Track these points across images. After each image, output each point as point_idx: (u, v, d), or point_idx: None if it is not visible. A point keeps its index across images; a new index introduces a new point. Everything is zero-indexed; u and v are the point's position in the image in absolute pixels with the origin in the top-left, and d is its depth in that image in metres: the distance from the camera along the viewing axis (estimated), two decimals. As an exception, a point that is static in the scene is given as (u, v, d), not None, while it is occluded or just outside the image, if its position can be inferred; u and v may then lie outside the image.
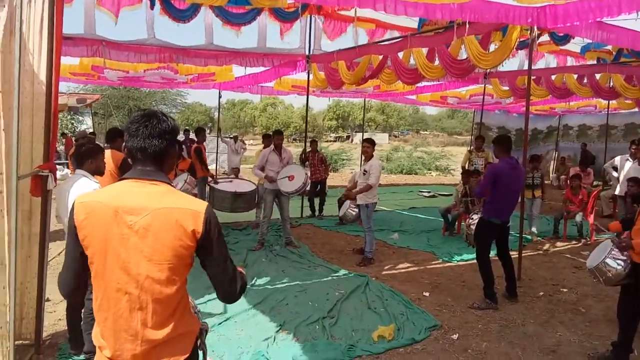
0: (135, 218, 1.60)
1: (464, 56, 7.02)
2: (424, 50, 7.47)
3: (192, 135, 12.13)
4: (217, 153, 15.43)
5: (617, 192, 8.18)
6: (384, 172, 17.77)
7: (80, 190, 3.11)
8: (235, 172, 11.65)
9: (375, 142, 6.89)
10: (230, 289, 1.74)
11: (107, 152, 4.34)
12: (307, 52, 9.28)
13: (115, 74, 9.44)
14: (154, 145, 1.68)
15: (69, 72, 9.32)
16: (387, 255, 7.05)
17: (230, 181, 8.60)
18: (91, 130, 20.13)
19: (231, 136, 13.93)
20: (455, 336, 4.24)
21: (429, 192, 14.29)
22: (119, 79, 10.31)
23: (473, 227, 5.34)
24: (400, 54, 7.72)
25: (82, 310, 3.49)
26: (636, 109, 13.15)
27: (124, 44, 7.95)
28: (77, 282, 1.72)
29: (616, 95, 9.88)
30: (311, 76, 9.77)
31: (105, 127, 22.79)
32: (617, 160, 8.43)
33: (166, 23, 7.35)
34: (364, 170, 6.60)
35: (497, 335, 4.30)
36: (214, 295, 5.38)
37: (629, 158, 7.99)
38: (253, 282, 5.61)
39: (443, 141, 50.96)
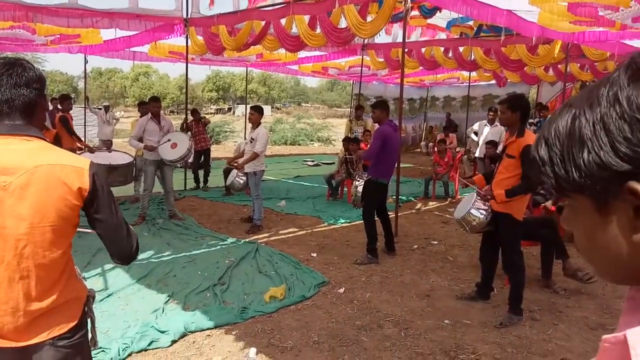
0: (10, 178, 1.43)
1: (344, 25, 7.23)
2: (306, 18, 7.53)
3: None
4: (84, 125, 14.09)
5: (477, 154, 9.15)
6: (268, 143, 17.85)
7: None
8: (107, 144, 10.80)
9: (262, 109, 6.82)
10: (126, 246, 1.64)
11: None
12: (184, 15, 8.79)
13: (-41, 33, 8.09)
14: (23, 95, 1.50)
15: None
16: (275, 222, 7.15)
17: (94, 152, 7.86)
18: None
19: (100, 107, 12.83)
20: (341, 290, 4.49)
21: (312, 161, 14.65)
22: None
23: (360, 189, 5.61)
24: (283, 21, 7.69)
25: None
26: (493, 81, 14.71)
27: (-32, -2, 6.82)
28: None
29: (476, 67, 10.96)
30: (190, 41, 9.31)
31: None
32: (477, 125, 9.41)
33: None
34: (251, 138, 6.55)
35: (379, 286, 4.64)
36: (92, 271, 5.01)
37: (487, 123, 8.95)
38: (136, 256, 5.33)
39: (324, 113, 52.36)
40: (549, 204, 5.96)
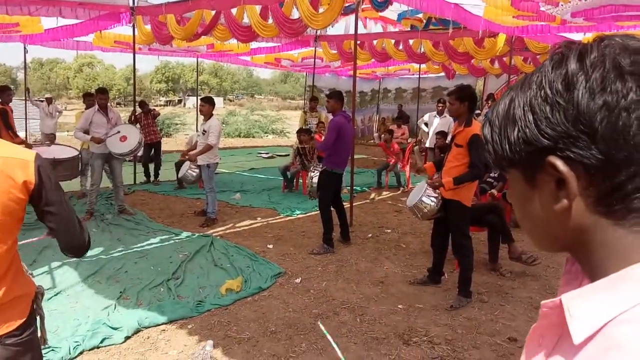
0: None
1: (297, 16, 7.20)
2: (258, 8, 7.45)
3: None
4: (26, 118, 13.38)
5: (427, 144, 9.39)
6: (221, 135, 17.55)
7: None
8: (50, 138, 10.32)
9: (213, 100, 6.70)
10: (79, 237, 1.60)
11: None
12: (131, 4, 8.48)
13: None
14: None
15: None
16: (230, 215, 7.08)
17: (46, 146, 7.55)
18: None
19: (42, 99, 12.22)
20: (298, 280, 4.53)
21: (267, 153, 14.58)
22: None
23: (316, 180, 5.64)
24: (234, 11, 7.57)
25: None
26: (442, 74, 15.08)
27: None
28: None
29: (426, 59, 11.22)
30: (136, 31, 9.00)
31: None
32: (427, 117, 9.65)
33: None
34: (203, 130, 6.44)
35: (334, 275, 4.71)
36: (39, 269, 4.81)
37: (437, 115, 9.20)
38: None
39: (277, 105, 52.02)
40: (494, 191, 6.23)
